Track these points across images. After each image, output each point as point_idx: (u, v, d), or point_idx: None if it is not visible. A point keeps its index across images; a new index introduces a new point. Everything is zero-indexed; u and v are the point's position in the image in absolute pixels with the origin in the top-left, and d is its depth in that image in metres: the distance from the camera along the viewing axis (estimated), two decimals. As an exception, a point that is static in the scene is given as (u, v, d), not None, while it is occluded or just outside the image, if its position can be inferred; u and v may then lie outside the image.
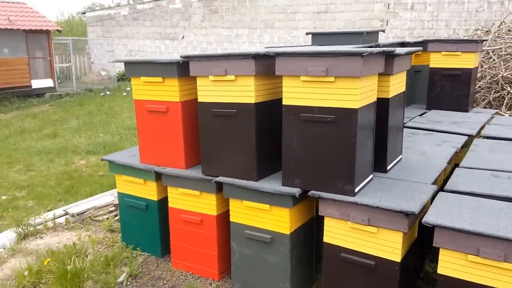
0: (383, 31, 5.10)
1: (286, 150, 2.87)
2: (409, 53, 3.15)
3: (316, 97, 2.68)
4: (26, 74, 14.25)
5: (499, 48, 7.68)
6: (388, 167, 3.20)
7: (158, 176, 3.56)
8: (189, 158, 3.41)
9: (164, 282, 3.44)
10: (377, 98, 2.99)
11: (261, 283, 3.14)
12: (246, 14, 16.43)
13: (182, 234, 3.52)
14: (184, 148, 3.38)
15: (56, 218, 4.65)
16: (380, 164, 3.16)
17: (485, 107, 7.39)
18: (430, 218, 2.42)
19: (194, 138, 3.36)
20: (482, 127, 4.62)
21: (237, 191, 3.07)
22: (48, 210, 5.09)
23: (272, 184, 2.95)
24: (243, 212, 3.11)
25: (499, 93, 7.35)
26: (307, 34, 4.89)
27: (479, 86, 7.54)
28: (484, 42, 7.35)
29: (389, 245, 2.63)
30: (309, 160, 2.80)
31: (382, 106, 3.06)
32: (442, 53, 5.43)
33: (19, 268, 3.57)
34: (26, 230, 4.31)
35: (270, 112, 3.00)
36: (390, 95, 3.07)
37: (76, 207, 4.93)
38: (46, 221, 4.56)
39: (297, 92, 2.74)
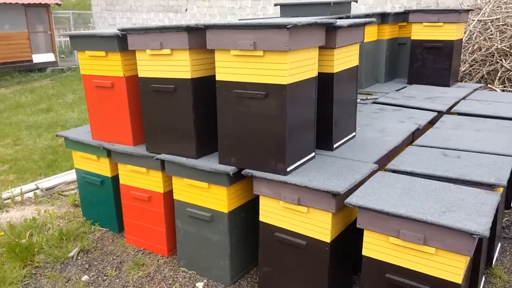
0: (356, 1, 4.89)
1: (221, 128, 2.79)
2: (354, 25, 2.98)
3: (247, 72, 2.58)
4: (27, 48, 14.25)
5: (497, 19, 7.35)
6: (335, 145, 3.09)
7: (110, 153, 3.52)
8: (137, 135, 3.36)
9: (114, 257, 3.44)
10: (320, 73, 2.87)
11: (204, 260, 3.12)
12: (248, -15, 16.04)
13: (133, 210, 3.51)
14: (131, 124, 3.33)
15: (25, 193, 4.69)
16: (325, 142, 3.06)
17: (478, 81, 7.13)
18: (353, 198, 2.33)
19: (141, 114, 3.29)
20: (457, 103, 4.45)
21: (178, 168, 3.02)
22: (26, 184, 5.13)
23: (210, 162, 2.89)
24: (185, 190, 3.06)
25: (494, 67, 7.07)
26: (275, 5, 4.72)
27: (473, 60, 7.25)
28: (471, 12, 7.05)
29: (319, 225, 2.56)
30: (243, 138, 2.72)
31: (326, 81, 2.93)
32: (424, 24, 5.21)
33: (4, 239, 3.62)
34: (-5, 204, 4.36)
35: (210, 88, 2.90)
36: (335, 70, 2.93)
37: (47, 182, 4.96)
38: (15, 196, 4.60)
39: (228, 67, 2.64)
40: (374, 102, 4.52)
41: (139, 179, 3.37)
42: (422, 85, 5.31)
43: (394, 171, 2.76)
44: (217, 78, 2.70)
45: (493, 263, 3.23)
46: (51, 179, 5.07)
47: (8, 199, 4.54)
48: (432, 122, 3.89)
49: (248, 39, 2.48)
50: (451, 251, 2.11)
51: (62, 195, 4.66)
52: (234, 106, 2.68)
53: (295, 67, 2.53)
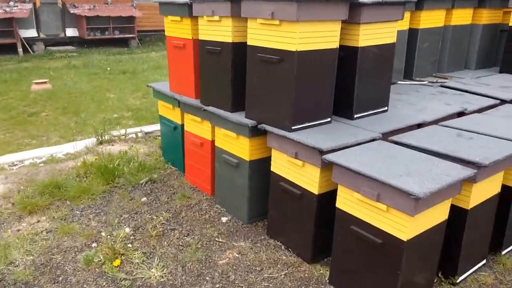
0: None
1: (248, 87, 3.26)
2: (384, 3, 3.14)
3: (268, 39, 2.99)
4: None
5: None
6: (356, 115, 3.33)
7: (180, 103, 4.24)
8: (198, 90, 3.99)
9: (172, 189, 4.19)
10: (345, 46, 3.14)
11: (231, 199, 3.67)
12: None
13: (191, 153, 4.19)
14: (195, 80, 3.97)
15: (130, 134, 5.75)
16: (346, 111, 3.33)
17: None
18: (330, 156, 2.64)
19: (203, 72, 3.90)
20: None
21: (217, 119, 3.59)
22: (133, 127, 6.24)
23: (239, 116, 3.39)
24: (222, 139, 3.62)
25: None
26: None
27: None
28: None
29: (310, 178, 2.91)
30: (262, 96, 3.16)
31: (351, 54, 3.19)
32: (524, 10, 4.87)
33: (82, 161, 4.68)
34: (102, 138, 5.47)
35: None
36: (361, 44, 3.16)
37: (149, 127, 5.98)
38: (122, 135, 5.68)
39: (255, 34, 3.08)
40: (441, 86, 4.48)
41: (196, 127, 4.02)
42: (514, 75, 5.00)
43: (394, 142, 2.94)
44: (248, 43, 3.16)
45: (504, 251, 3.17)
46: (154, 126, 6.08)
47: (116, 136, 5.63)
48: (484, 109, 3.80)
49: (268, 9, 2.89)
50: (397, 209, 2.33)
51: (156, 138, 5.60)
52: (257, 68, 3.13)
53: (307, 36, 2.86)
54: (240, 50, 3.34)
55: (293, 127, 3.00)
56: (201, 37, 3.65)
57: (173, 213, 3.74)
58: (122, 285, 2.83)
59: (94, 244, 3.28)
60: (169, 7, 3.97)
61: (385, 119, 3.36)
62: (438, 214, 2.52)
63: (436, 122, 3.42)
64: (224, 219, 3.64)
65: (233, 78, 3.41)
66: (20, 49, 13.73)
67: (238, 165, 3.49)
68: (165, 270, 2.99)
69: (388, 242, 2.44)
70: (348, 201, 2.61)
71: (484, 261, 3.08)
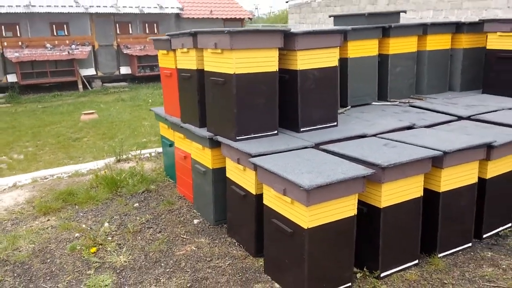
0: (405, 12, 5.16)
1: (207, 105, 3.86)
2: (316, 33, 3.63)
3: (216, 65, 3.60)
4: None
5: None
6: (302, 129, 3.80)
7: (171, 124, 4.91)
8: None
9: (162, 197, 4.81)
10: (287, 69, 3.67)
11: (202, 204, 4.23)
12: (425, -4, 15.79)
13: (179, 166, 4.81)
14: (180, 103, 4.63)
15: (145, 153, 6.51)
16: (293, 125, 3.82)
17: None
18: (254, 159, 3.14)
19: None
20: (494, 111, 4.41)
21: (190, 134, 4.20)
22: (148, 149, 7.01)
23: (202, 130, 3.97)
24: (195, 151, 4.21)
25: None
26: (329, 16, 5.40)
27: None
28: None
29: (249, 180, 3.40)
30: (215, 112, 3.75)
31: (293, 76, 3.70)
32: (498, 33, 5.12)
33: (96, 175, 5.44)
34: (120, 157, 6.26)
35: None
36: (299, 67, 3.66)
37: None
38: (137, 154, 6.45)
39: (208, 61, 3.70)
40: (410, 105, 4.81)
41: (181, 143, 4.65)
42: (494, 95, 5.20)
43: (323, 150, 3.38)
44: (205, 69, 3.78)
45: (440, 254, 3.42)
46: (168, 148, 6.79)
47: (133, 156, 6.41)
48: (435, 125, 4.08)
49: (213, 41, 3.50)
50: (297, 200, 2.77)
51: (166, 158, 6.29)
52: (211, 89, 3.73)
53: (244, 62, 3.43)
54: (203, 75, 3.95)
55: (237, 138, 3.54)
56: (178, 66, 4.33)
57: (155, 215, 4.34)
58: (93, 266, 3.45)
59: (82, 236, 3.94)
60: (159, 43, 4.70)
61: (329, 132, 3.79)
62: (343, 209, 2.90)
63: (378, 134, 3.80)
64: (196, 221, 4.18)
65: (199, 99, 4.02)
66: (80, 86, 15.38)
67: (205, 173, 4.05)
68: (130, 257, 3.57)
69: (295, 230, 2.87)
70: (269, 197, 3.08)
71: (416, 261, 3.35)
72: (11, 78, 14.44)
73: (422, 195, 3.24)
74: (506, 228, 3.81)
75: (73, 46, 14.95)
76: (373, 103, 5.06)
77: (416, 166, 3.10)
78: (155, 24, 16.73)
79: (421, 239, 3.34)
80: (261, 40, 3.47)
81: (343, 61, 4.78)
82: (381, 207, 3.06)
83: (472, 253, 3.49)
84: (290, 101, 3.78)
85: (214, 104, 3.76)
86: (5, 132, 9.62)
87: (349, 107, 4.87)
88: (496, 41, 5.16)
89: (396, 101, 5.03)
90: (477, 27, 5.43)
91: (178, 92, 4.45)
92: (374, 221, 3.11)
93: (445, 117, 4.28)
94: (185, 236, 3.90)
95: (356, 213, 2.98)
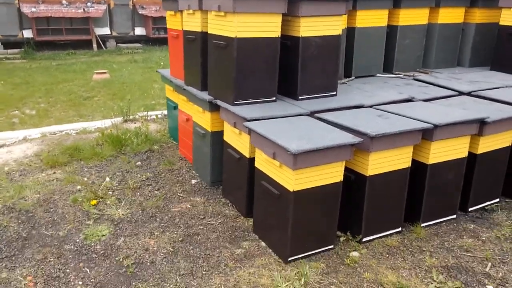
0: None
1: (209, 68, 3.92)
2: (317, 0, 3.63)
3: (219, 28, 3.64)
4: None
5: None
6: (301, 97, 3.85)
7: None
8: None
9: (164, 157, 4.95)
10: (289, 36, 3.70)
11: (201, 165, 4.35)
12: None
13: (182, 128, 4.92)
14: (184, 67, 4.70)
15: (151, 115, 6.64)
16: (292, 92, 3.87)
17: None
18: (248, 123, 3.23)
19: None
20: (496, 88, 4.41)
21: (192, 97, 4.28)
22: (155, 111, 7.13)
23: (203, 93, 4.05)
24: (196, 114, 4.31)
25: None
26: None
27: None
28: None
29: (244, 144, 3.51)
30: (216, 76, 3.81)
31: (294, 43, 3.73)
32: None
33: (102, 133, 5.59)
34: (127, 118, 6.40)
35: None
36: (302, 34, 3.68)
37: (170, 111, 6.81)
38: (144, 116, 6.57)
39: (211, 23, 3.74)
40: (414, 79, 4.81)
41: (184, 105, 4.74)
42: (501, 72, 5.15)
43: (317, 118, 3.44)
44: (208, 32, 3.82)
45: (424, 223, 3.52)
46: (175, 110, 6.90)
47: (140, 117, 6.54)
48: (432, 99, 4.10)
49: (217, 3, 3.53)
50: (285, 164, 2.87)
51: (171, 120, 6.40)
52: (213, 52, 3.78)
53: (246, 26, 3.46)
54: (207, 38, 3.99)
55: (235, 102, 3.61)
56: (184, 28, 4.37)
57: (155, 174, 4.49)
58: (92, 217, 3.63)
59: (84, 190, 4.11)
60: (167, 3, 4.73)
61: (327, 101, 3.84)
62: (330, 174, 3.00)
63: (375, 106, 3.84)
64: (193, 181, 4.32)
65: (202, 61, 4.07)
66: (94, 45, 15.44)
67: (204, 136, 4.15)
68: (128, 211, 3.74)
69: (282, 192, 2.98)
70: (260, 160, 3.18)
71: (399, 229, 3.46)
72: (27, 33, 14.53)
73: (409, 166, 3.31)
74: (493, 203, 3.88)
75: (89, 4, 14.92)
76: (378, 74, 5.06)
77: (405, 137, 3.16)
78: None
79: (406, 208, 3.44)
80: (264, 5, 3.48)
81: (351, 30, 4.78)
82: (367, 175, 3.14)
83: (455, 225, 3.59)
84: (291, 69, 3.82)
85: (215, 68, 3.82)
86: (19, 87, 9.79)
87: (353, 77, 4.89)
88: (510, 17, 5.06)
89: (400, 74, 5.02)
90: (492, 1, 5.32)
91: (183, 55, 4.50)
92: (360, 189, 3.20)
93: (446, 91, 4.29)
94: (181, 195, 4.05)
95: (342, 180, 3.07)
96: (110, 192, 4.08)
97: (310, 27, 3.70)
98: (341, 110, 3.69)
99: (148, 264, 3.06)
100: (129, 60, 13.62)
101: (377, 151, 3.10)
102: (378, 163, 3.16)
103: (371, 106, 3.76)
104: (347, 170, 3.23)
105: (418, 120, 3.30)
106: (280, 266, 3.04)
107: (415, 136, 3.21)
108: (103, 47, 15.62)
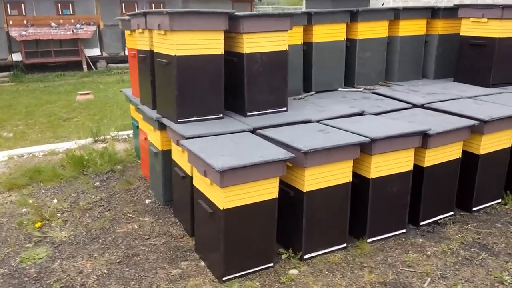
0: None
1: (157, 87, 3.90)
2: (264, 15, 3.61)
3: (162, 46, 3.63)
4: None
5: None
6: (249, 113, 3.80)
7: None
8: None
9: (124, 177, 4.91)
10: (233, 52, 3.68)
11: (155, 185, 4.30)
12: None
13: (142, 147, 4.88)
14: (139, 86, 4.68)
15: (123, 135, 6.62)
16: (240, 109, 3.83)
17: None
18: (183, 141, 3.20)
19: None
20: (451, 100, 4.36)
21: (144, 116, 4.25)
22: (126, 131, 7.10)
23: (153, 112, 4.02)
24: (149, 132, 4.27)
25: None
26: None
27: None
28: None
29: (187, 162, 3.44)
30: (163, 94, 3.78)
31: (239, 59, 3.71)
32: (471, 19, 4.99)
33: (66, 154, 5.56)
34: (97, 138, 6.38)
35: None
36: (246, 51, 3.66)
37: (142, 130, 6.79)
38: (115, 136, 6.55)
39: (156, 42, 3.73)
40: (373, 92, 4.77)
41: (142, 124, 4.70)
42: (464, 83, 5.11)
43: (259, 134, 3.39)
44: (154, 50, 3.81)
45: (370, 239, 3.44)
46: (147, 129, 6.88)
47: (112, 137, 6.52)
48: (381, 113, 4.04)
49: (157, 22, 3.53)
50: (214, 182, 2.81)
51: (141, 139, 6.38)
52: (158, 70, 3.77)
53: (185, 43, 3.44)
54: (152, 57, 3.97)
55: (179, 120, 3.57)
56: (137, 47, 4.36)
57: (111, 194, 4.44)
58: (33, 240, 3.57)
59: (32, 212, 4.06)
60: (124, 23, 4.75)
61: (275, 117, 3.78)
62: (263, 191, 2.93)
63: (323, 120, 3.79)
64: (147, 201, 4.27)
65: (152, 80, 4.05)
66: (84, 66, 15.56)
67: (156, 154, 4.10)
68: (72, 232, 3.68)
69: (214, 211, 2.92)
70: (197, 179, 3.13)
71: (344, 245, 3.38)
72: (16, 57, 14.68)
73: (350, 180, 3.24)
74: (446, 217, 3.79)
75: (78, 26, 15.09)
76: (339, 89, 5.02)
77: (342, 152, 3.10)
78: (161, 4, 16.71)
79: (352, 224, 3.36)
80: (203, 22, 3.47)
81: (308, 45, 4.75)
82: (304, 191, 3.08)
83: (403, 239, 3.50)
84: (238, 85, 3.79)
85: (161, 86, 3.80)
86: (1, 111, 9.84)
87: (313, 92, 4.85)
88: (469, 27, 5.04)
89: (361, 88, 4.98)
90: (453, 12, 5.29)
91: (138, 73, 4.50)
92: (299, 205, 3.14)
93: (400, 104, 4.24)
94: (131, 215, 3.99)
95: (277, 196, 3.00)
96: (59, 214, 4.02)
97: (254, 43, 3.68)
98: (287, 125, 3.64)
99: (78, 287, 2.99)
100: (117, 80, 13.70)
101: (312, 166, 3.04)
102: (315, 179, 3.09)
103: (318, 121, 3.71)
104: (287, 186, 3.18)
105: (359, 134, 3.25)
106: (213, 286, 2.96)
107: (353, 150, 3.15)
108: (93, 68, 15.73)
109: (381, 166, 3.31)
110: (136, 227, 3.77)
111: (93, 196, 4.39)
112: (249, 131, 3.48)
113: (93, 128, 6.52)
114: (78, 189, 4.61)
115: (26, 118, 9.17)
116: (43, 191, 4.64)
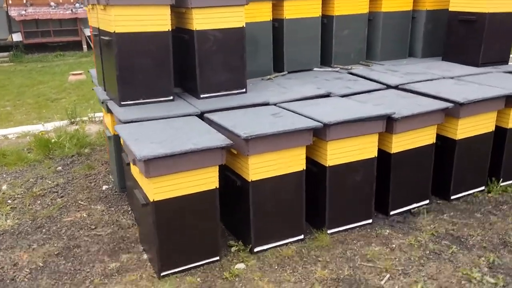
0: None
1: (103, 67, 3.65)
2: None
3: (104, 22, 3.36)
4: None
5: None
6: (203, 95, 3.53)
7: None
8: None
9: (89, 160, 4.71)
10: (184, 29, 3.40)
11: (112, 171, 4.09)
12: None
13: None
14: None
15: (100, 117, 6.41)
16: (193, 90, 3.57)
17: None
18: (118, 126, 2.96)
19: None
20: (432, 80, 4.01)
21: (99, 98, 4.01)
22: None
23: (102, 93, 3.77)
24: (104, 115, 4.03)
25: None
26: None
27: None
28: None
29: (127, 148, 3.21)
30: (108, 75, 3.53)
31: (189, 38, 3.42)
32: (461, -6, 4.60)
33: (34, 136, 5.38)
34: (73, 120, 6.18)
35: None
36: (196, 27, 3.36)
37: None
38: (91, 117, 6.36)
39: (100, 18, 3.45)
40: (348, 72, 4.44)
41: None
42: (451, 63, 4.74)
43: (206, 118, 3.13)
44: (99, 27, 3.54)
45: (330, 230, 3.19)
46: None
47: (88, 118, 6.32)
48: (356, 93, 3.74)
49: (95, -5, 3.25)
50: (142, 172, 2.59)
51: (118, 121, 6.17)
52: (103, 48, 3.51)
53: (126, 19, 3.16)
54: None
55: (122, 102, 3.32)
56: (91, 24, 4.08)
57: (69, 179, 4.25)
58: (-25, 229, 3.41)
59: (-18, 199, 3.90)
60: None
61: (229, 100, 3.50)
62: (202, 181, 2.68)
63: (282, 103, 3.50)
64: (104, 187, 4.07)
65: (101, 59, 3.79)
66: (84, 46, 15.34)
67: (110, 139, 3.88)
68: (17, 221, 3.50)
69: (147, 202, 2.68)
70: (134, 167, 2.88)
71: (301, 237, 3.13)
72: (16, 37, 14.54)
73: (304, 169, 2.97)
74: (421, 206, 3.50)
75: (77, 5, 14.84)
76: (315, 68, 4.69)
77: (290, 138, 2.82)
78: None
79: (312, 215, 3.11)
80: (146, -4, 3.18)
81: (279, 22, 4.42)
82: (250, 180, 2.82)
83: (368, 230, 3.23)
84: (190, 65, 3.51)
85: (107, 66, 3.55)
86: (-8, 91, 9.73)
87: (286, 72, 4.53)
88: (458, 2, 4.63)
89: (337, 67, 4.65)
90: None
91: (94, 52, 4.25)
92: (245, 195, 2.89)
93: (373, 85, 3.91)
94: (83, 203, 3.79)
95: (217, 186, 2.75)
96: (10, 201, 3.85)
97: (205, 19, 3.38)
98: (241, 108, 3.36)
99: (8, 282, 2.81)
100: (114, 60, 13.48)
101: (256, 154, 2.77)
102: (260, 167, 2.83)
103: (275, 104, 3.42)
104: (235, 174, 2.94)
105: (313, 118, 2.96)
106: (150, 282, 2.75)
107: (305, 136, 2.87)
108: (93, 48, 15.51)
109: (339, 153, 3.02)
110: (84, 215, 3.57)
111: (50, 182, 4.20)
112: (196, 115, 3.21)
113: (68, 109, 6.32)
114: (39, 174, 4.42)
115: (15, 99, 9.04)
116: (4, 175, 4.47)
